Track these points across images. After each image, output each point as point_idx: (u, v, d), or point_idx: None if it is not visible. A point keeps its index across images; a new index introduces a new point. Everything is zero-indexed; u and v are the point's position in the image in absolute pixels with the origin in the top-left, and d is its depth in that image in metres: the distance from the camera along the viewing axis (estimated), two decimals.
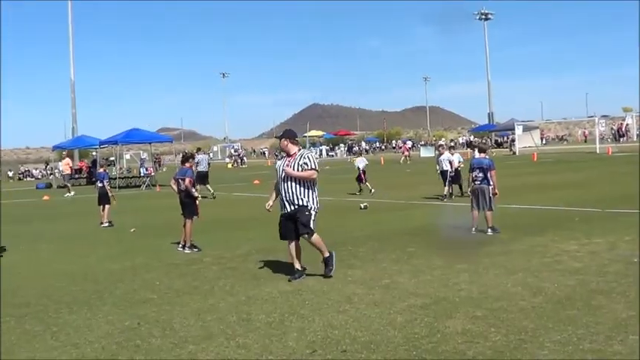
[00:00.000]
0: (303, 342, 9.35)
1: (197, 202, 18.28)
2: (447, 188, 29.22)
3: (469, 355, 8.40)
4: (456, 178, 30.05)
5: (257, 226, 22.79)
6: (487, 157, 19.23)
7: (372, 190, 33.87)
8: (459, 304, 10.99)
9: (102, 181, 26.10)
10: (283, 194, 13.95)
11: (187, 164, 18.67)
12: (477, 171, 18.80)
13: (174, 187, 18.55)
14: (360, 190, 34.27)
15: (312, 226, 13.64)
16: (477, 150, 19.95)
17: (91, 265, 16.76)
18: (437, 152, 34.03)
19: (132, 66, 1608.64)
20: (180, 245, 18.17)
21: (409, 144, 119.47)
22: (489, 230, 18.28)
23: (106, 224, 25.07)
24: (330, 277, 13.46)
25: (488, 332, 9.35)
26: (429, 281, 12.63)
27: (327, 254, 13.89)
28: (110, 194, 25.94)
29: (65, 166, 50.21)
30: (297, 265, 13.94)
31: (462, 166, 30.09)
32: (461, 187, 30.06)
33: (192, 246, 18.04)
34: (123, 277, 14.88)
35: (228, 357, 8.86)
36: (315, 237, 13.84)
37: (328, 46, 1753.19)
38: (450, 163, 29.68)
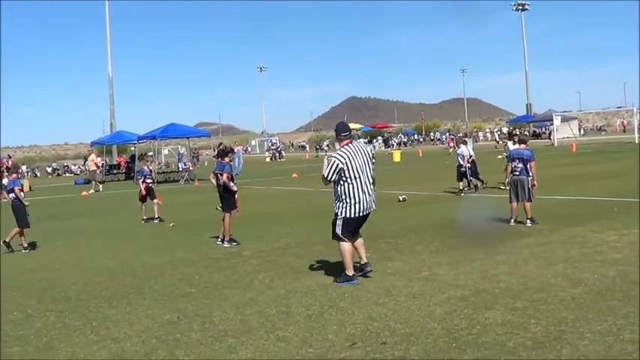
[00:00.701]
0: (343, 334, 9.36)
1: (236, 196, 18.29)
2: (460, 183, 28.79)
3: (509, 346, 8.37)
4: (472, 171, 29.33)
5: (296, 220, 22.87)
6: (528, 148, 19.12)
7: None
8: (498, 295, 10.96)
9: (144, 177, 25.73)
10: None
11: (226, 159, 18.68)
12: (517, 161, 18.71)
13: (213, 181, 18.59)
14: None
15: (337, 231, 12.88)
16: (516, 141, 19.90)
17: (129, 260, 16.86)
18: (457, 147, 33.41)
19: (169, 62, 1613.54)
20: (220, 239, 18.20)
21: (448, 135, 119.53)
22: (528, 221, 18.15)
23: (157, 220, 24.76)
24: (337, 283, 12.57)
25: (528, 323, 9.32)
26: (468, 273, 12.60)
27: (348, 272, 12.62)
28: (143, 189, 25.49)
29: (91, 162, 50.34)
30: (363, 259, 13.03)
31: (472, 158, 29.46)
32: (472, 181, 29.40)
33: (231, 240, 18.07)
34: (162, 272, 14.96)
35: (268, 350, 8.88)
36: (342, 246, 12.84)
37: (366, 39, 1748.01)
38: (463, 157, 29.07)
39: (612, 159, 46.70)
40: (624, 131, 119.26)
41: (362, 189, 12.61)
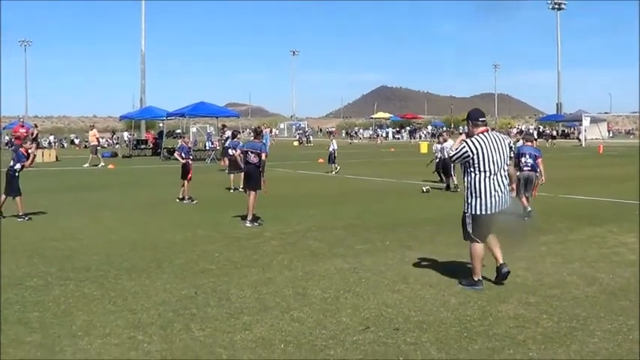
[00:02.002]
0: (357, 318, 9.50)
1: (263, 177, 18.38)
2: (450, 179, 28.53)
3: (519, 339, 8.49)
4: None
5: (319, 204, 23.07)
6: (534, 146, 19.62)
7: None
8: (513, 289, 11.07)
9: (184, 155, 25.01)
10: None
11: (257, 138, 18.87)
12: (527, 157, 19.29)
13: (239, 159, 18.70)
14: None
15: (468, 230, 11.62)
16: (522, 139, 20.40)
17: (151, 235, 17.04)
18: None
19: (202, 41, 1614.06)
20: (249, 220, 18.28)
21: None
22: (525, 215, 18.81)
23: (187, 201, 23.97)
24: (460, 286, 11.41)
25: (540, 318, 9.44)
26: (486, 266, 12.67)
27: (474, 277, 11.48)
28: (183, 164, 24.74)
29: (92, 137, 50.25)
30: (499, 260, 11.66)
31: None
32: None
33: (255, 219, 18.23)
34: (183, 248, 15.11)
35: (282, 329, 9.02)
36: (472, 248, 11.64)
37: (400, 29, 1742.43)
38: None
39: (637, 163, 46.51)
40: None
41: (494, 183, 11.30)
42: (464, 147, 11.41)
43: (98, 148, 50.77)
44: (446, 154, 28.15)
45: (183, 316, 9.70)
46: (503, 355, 7.97)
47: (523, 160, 19.16)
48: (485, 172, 11.24)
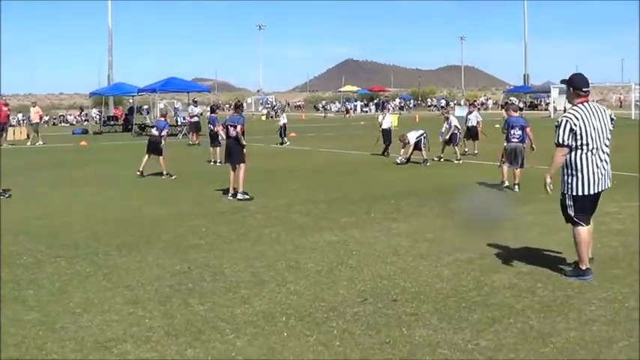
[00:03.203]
0: (354, 290, 9.57)
1: (244, 150, 18.40)
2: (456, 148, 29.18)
3: (517, 309, 8.60)
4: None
5: (297, 178, 23.11)
6: (521, 116, 19.76)
7: None
8: (504, 259, 11.17)
9: (160, 130, 24.99)
10: None
11: (237, 111, 18.86)
12: (516, 129, 19.43)
13: (222, 133, 18.70)
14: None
15: (570, 213, 10.51)
16: (511, 110, 20.52)
17: (135, 210, 17.03)
18: (467, 111, 33.73)
19: (167, 16, 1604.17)
20: (231, 194, 18.33)
21: (443, 102, 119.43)
22: (516, 187, 19.02)
23: (165, 176, 23.83)
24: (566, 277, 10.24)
25: (535, 287, 9.56)
26: (473, 236, 12.76)
27: (581, 265, 10.26)
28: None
29: (35, 114, 49.55)
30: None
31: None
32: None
33: (245, 192, 18.22)
34: (169, 223, 15.10)
35: (281, 302, 9.07)
36: (577, 232, 10.51)
37: (365, 1, 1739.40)
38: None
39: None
40: (620, 106, 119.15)
41: (596, 159, 10.08)
42: (565, 121, 10.04)
43: (39, 124, 50.10)
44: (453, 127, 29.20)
45: (180, 291, 9.72)
46: (504, 324, 8.05)
47: (512, 132, 19.41)
48: (586, 146, 9.98)
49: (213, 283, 10.13)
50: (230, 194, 18.29)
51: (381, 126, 33.26)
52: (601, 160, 10.10)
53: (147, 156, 24.51)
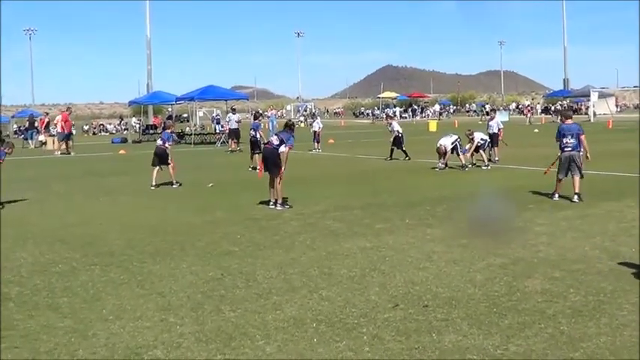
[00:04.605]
0: (385, 296, 9.57)
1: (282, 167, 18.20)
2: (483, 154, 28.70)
3: (549, 314, 8.57)
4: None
5: (334, 184, 23.14)
6: (574, 122, 18.85)
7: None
8: (537, 264, 11.14)
9: (164, 141, 25.00)
10: None
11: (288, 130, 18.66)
12: (569, 137, 18.14)
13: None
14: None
15: None
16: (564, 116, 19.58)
17: (170, 218, 17.09)
18: (488, 117, 33.79)
19: (206, 25, 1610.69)
20: (272, 203, 18.13)
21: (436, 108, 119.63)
22: (576, 197, 17.75)
23: (176, 185, 23.94)
24: None
25: (568, 292, 9.52)
26: (507, 242, 12.73)
27: None
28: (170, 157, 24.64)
29: (59, 123, 48.82)
30: None
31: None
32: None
33: (283, 202, 18.09)
34: (204, 230, 15.15)
35: (313, 308, 9.10)
36: None
37: (403, 6, 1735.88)
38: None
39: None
40: None
41: None
42: None
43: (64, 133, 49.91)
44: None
45: (212, 297, 9.78)
46: (534, 329, 8.03)
47: (564, 140, 18.16)
48: None
49: (245, 289, 10.17)
50: (271, 203, 18.15)
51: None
52: None
53: (156, 168, 24.32)
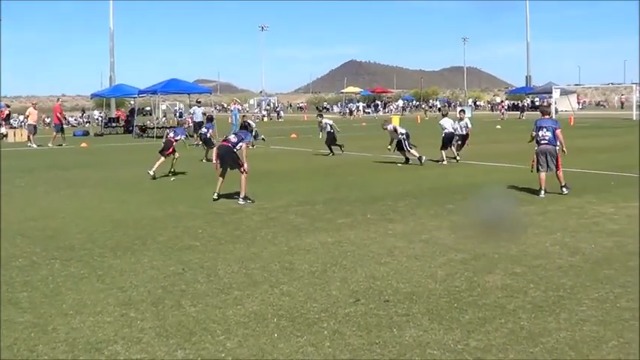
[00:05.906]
0: (346, 291, 9.59)
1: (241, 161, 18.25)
2: (454, 150, 28.95)
3: (509, 309, 8.63)
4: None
5: (296, 179, 23.11)
6: (551, 118, 19.04)
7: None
8: (498, 260, 11.21)
9: (176, 134, 25.41)
10: None
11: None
12: (545, 130, 18.37)
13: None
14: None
15: None
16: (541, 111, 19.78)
17: (132, 211, 17.01)
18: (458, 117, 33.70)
19: (169, 18, 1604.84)
20: (215, 194, 18.21)
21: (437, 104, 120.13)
22: (564, 189, 18.15)
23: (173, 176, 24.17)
24: None
25: (528, 288, 9.59)
26: (468, 237, 12.80)
27: None
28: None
29: (30, 116, 48.36)
30: None
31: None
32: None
33: (246, 197, 18.00)
34: (165, 224, 15.11)
35: (273, 303, 9.10)
36: None
37: (367, 2, 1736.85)
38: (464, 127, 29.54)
39: (610, 134, 46.73)
40: (622, 107, 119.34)
41: None
42: None
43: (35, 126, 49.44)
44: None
45: (173, 292, 9.75)
46: (495, 324, 8.08)
47: (540, 134, 18.41)
48: None
49: (206, 284, 10.15)
50: (215, 194, 18.26)
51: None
52: None
53: (163, 158, 24.34)
